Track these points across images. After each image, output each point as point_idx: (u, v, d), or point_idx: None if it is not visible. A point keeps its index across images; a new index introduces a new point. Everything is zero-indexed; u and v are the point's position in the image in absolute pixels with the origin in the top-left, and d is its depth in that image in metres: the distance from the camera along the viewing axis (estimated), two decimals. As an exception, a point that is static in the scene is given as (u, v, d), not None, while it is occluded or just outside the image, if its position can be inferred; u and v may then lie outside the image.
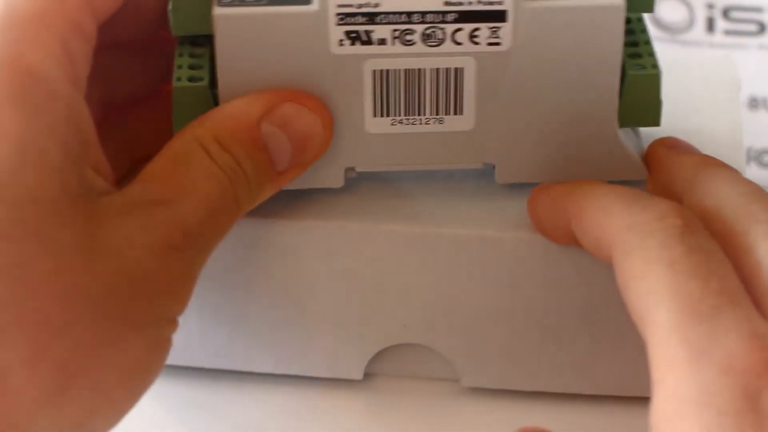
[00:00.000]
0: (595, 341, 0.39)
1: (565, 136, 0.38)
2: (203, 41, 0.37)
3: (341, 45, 0.36)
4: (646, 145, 0.39)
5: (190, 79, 0.37)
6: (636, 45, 0.38)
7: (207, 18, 0.36)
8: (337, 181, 0.38)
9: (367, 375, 0.41)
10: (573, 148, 0.38)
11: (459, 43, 0.36)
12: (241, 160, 0.35)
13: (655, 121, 0.38)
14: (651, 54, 0.38)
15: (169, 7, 0.36)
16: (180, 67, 0.37)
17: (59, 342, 0.30)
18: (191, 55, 0.37)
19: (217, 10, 0.36)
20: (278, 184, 0.36)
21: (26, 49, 0.32)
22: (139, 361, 0.32)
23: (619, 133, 0.38)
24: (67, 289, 0.31)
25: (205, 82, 0.36)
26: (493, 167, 0.38)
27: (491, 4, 0.36)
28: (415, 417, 0.40)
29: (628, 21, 0.38)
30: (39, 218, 0.31)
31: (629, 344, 0.38)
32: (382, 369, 0.41)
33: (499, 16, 0.36)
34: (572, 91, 0.37)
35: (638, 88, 0.37)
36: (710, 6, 0.56)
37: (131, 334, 0.32)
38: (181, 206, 0.34)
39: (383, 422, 0.40)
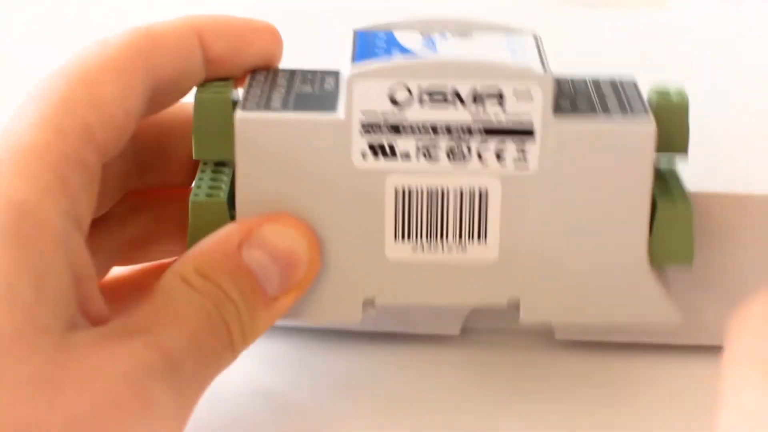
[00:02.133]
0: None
1: (592, 271, 0.36)
2: (227, 163, 0.36)
3: (364, 158, 0.35)
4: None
5: (208, 195, 0.36)
6: (665, 179, 0.37)
7: (229, 144, 0.35)
8: (354, 314, 0.36)
9: (464, 330, 0.42)
10: (601, 286, 0.36)
11: (485, 162, 0.35)
12: (226, 287, 0.34)
13: (688, 258, 0.36)
14: (681, 188, 0.37)
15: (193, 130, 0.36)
16: (199, 184, 0.36)
17: None
18: (213, 172, 0.36)
19: (239, 113, 0.35)
20: (274, 311, 0.35)
21: (16, 181, 0.31)
22: None
23: (650, 272, 0.36)
24: (22, 424, 0.29)
25: (222, 198, 0.35)
26: (518, 306, 0.36)
27: (520, 121, 0.35)
28: (510, 370, 0.41)
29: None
30: (2, 351, 0.29)
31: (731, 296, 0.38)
32: (478, 324, 0.42)
33: (528, 135, 0.35)
34: (600, 220, 0.36)
35: (669, 222, 0.36)
36: None
37: None
38: (162, 333, 0.32)
39: (480, 376, 0.41)
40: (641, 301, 0.36)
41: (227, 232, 0.35)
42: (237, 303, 0.34)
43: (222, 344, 0.33)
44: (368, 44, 0.36)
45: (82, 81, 0.33)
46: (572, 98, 0.36)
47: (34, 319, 0.30)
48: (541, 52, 0.36)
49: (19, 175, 0.31)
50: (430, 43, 0.36)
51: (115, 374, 0.30)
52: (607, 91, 0.37)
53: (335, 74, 0.36)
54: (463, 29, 0.37)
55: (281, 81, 0.37)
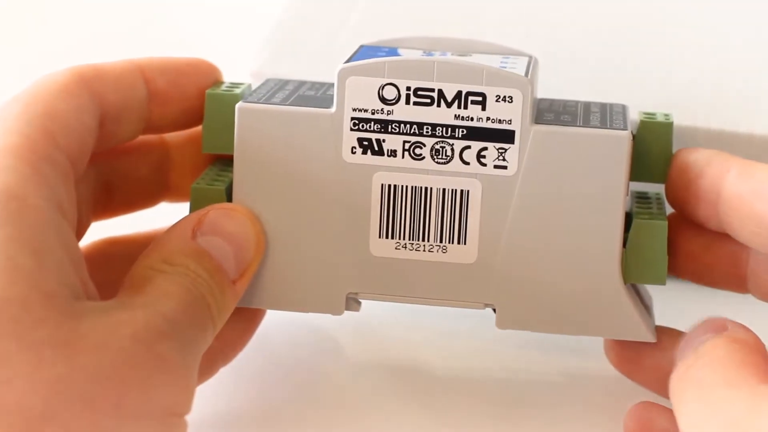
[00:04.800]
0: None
1: (566, 282, 0.37)
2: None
3: (353, 153, 0.36)
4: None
5: (209, 184, 0.38)
6: (648, 201, 0.38)
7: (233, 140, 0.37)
8: (337, 307, 0.38)
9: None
10: (575, 298, 0.37)
11: (467, 163, 0.36)
12: (193, 268, 0.35)
13: (660, 278, 0.37)
14: (661, 210, 0.38)
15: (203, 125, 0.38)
16: (204, 176, 0.38)
17: (45, 428, 0.30)
18: (219, 169, 0.39)
19: (240, 104, 0.37)
20: (236, 293, 0.37)
21: None
22: None
23: (622, 288, 0.37)
24: (48, 381, 0.30)
25: (221, 187, 0.38)
26: (494, 311, 0.37)
27: (500, 122, 0.36)
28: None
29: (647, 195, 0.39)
30: (12, 317, 0.31)
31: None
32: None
33: (508, 137, 0.36)
34: (575, 230, 0.36)
35: (643, 236, 0.37)
36: None
37: (126, 425, 0.31)
38: (158, 302, 0.34)
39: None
40: (613, 317, 0.37)
41: (180, 223, 0.37)
42: (206, 280, 0.35)
43: (205, 316, 0.35)
44: (369, 52, 0.38)
45: (38, 99, 0.36)
46: (558, 113, 0.38)
47: (39, 287, 0.31)
48: (531, 67, 0.37)
49: (16, 170, 0.33)
50: (428, 55, 0.38)
51: (126, 336, 0.32)
52: (594, 110, 0.38)
53: None
54: (464, 49, 0.39)
55: (289, 86, 0.39)
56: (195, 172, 0.41)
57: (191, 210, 0.38)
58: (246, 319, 0.40)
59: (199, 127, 0.40)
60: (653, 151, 0.38)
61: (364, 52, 0.38)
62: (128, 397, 0.31)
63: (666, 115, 0.38)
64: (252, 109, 0.37)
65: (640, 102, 0.40)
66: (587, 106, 0.39)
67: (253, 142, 0.37)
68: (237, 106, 0.37)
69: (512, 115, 0.36)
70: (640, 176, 0.38)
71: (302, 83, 0.40)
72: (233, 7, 0.47)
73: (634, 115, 0.38)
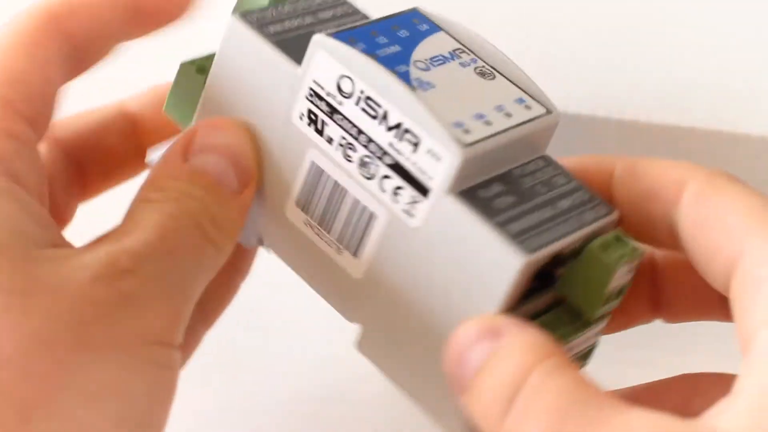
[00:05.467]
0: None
1: (426, 353, 0.35)
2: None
3: (300, 119, 0.36)
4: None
5: (193, 63, 0.38)
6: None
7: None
8: (250, 241, 0.38)
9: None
10: (429, 372, 0.35)
11: (383, 190, 0.35)
12: (185, 189, 0.35)
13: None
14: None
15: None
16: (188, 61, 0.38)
17: (8, 374, 0.30)
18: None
19: (236, 18, 0.36)
20: (242, 203, 0.36)
21: None
22: (108, 384, 0.31)
23: None
24: (2, 328, 0.30)
25: (204, 64, 0.38)
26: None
27: (423, 173, 0.34)
28: None
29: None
30: None
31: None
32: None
33: (423, 191, 0.34)
34: (448, 308, 0.34)
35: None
36: None
37: (91, 358, 0.31)
38: (126, 238, 0.33)
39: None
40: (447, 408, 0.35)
41: (170, 148, 0.36)
42: (202, 198, 0.35)
43: (195, 238, 0.34)
44: (384, 28, 0.36)
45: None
46: (511, 191, 0.35)
47: None
48: (530, 123, 0.35)
49: None
50: (431, 64, 0.36)
51: (84, 278, 0.32)
52: (567, 204, 0.35)
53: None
54: (495, 64, 0.36)
55: (308, 16, 0.38)
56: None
57: (173, 87, 0.38)
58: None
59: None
60: (585, 285, 0.34)
61: (388, 22, 0.37)
62: (88, 333, 0.31)
63: (621, 255, 0.34)
64: (240, 29, 0.37)
65: (641, 102, 0.40)
66: (570, 192, 0.35)
67: (232, 60, 0.37)
68: (231, 17, 0.37)
69: (435, 173, 0.34)
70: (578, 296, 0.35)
71: (325, 6, 0.38)
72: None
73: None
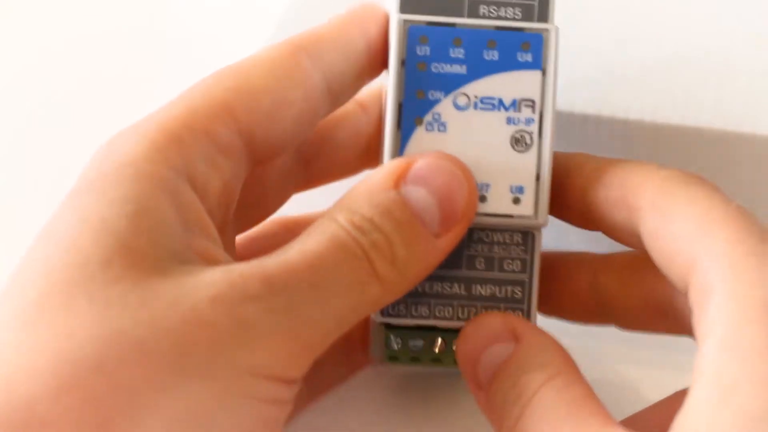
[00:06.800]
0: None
1: None
2: None
3: None
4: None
5: None
6: None
7: None
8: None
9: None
10: None
11: None
12: (375, 219, 0.33)
13: None
14: None
15: None
16: None
17: (94, 378, 0.29)
18: None
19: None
20: (436, 249, 0.34)
21: (129, 146, 0.32)
22: (196, 411, 0.30)
23: None
24: (107, 334, 0.29)
25: None
26: None
27: None
28: None
29: None
30: (90, 276, 0.30)
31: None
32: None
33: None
34: None
35: None
36: None
37: (189, 382, 0.30)
38: (267, 262, 0.31)
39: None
40: None
41: (383, 171, 0.34)
42: (387, 233, 0.32)
43: (358, 271, 0.32)
44: (476, 40, 0.35)
45: (233, 71, 0.34)
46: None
47: (126, 248, 0.30)
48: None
49: (136, 141, 0.32)
50: (475, 103, 0.35)
51: (204, 297, 0.30)
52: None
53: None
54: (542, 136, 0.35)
55: None
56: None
57: None
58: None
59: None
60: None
61: (488, 35, 0.35)
62: (193, 355, 0.30)
63: None
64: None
65: (642, 102, 0.40)
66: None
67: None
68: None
69: None
70: None
71: None
72: (237, 4, 0.47)
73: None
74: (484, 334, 0.34)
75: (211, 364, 0.30)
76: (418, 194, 0.33)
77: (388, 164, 0.34)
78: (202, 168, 0.33)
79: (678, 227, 0.32)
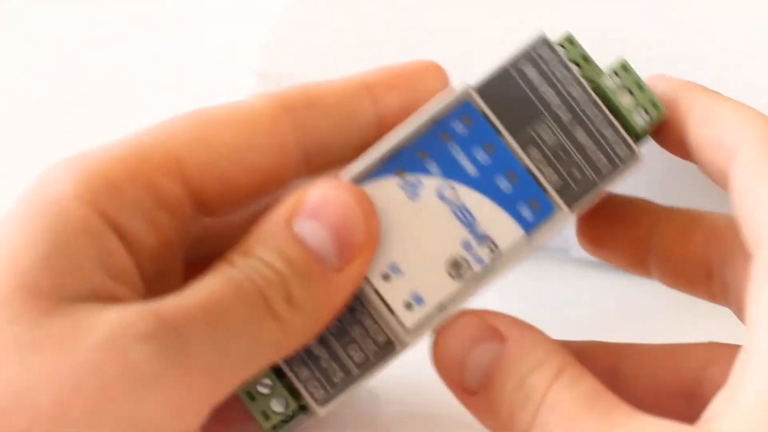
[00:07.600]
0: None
1: None
2: None
3: None
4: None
5: None
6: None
7: None
8: None
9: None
10: None
11: None
12: (268, 258, 0.32)
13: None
14: None
15: None
16: None
17: None
18: None
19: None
20: (336, 285, 0.33)
21: (63, 185, 0.31)
22: None
23: None
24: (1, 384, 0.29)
25: None
26: None
27: None
28: (527, 281, 0.43)
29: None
30: None
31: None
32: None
33: None
34: None
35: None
36: None
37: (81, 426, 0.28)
38: (163, 302, 0.30)
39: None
40: None
41: (279, 207, 0.33)
42: (281, 272, 0.32)
43: (253, 309, 0.31)
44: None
45: (194, 121, 0.33)
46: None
47: (30, 285, 0.30)
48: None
49: (71, 180, 0.31)
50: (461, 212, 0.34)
51: (95, 338, 0.29)
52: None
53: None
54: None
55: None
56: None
57: None
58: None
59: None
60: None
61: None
62: (75, 407, 0.28)
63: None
64: None
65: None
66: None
67: None
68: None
69: None
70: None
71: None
72: (236, 4, 0.47)
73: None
74: (465, 336, 0.33)
75: (94, 418, 0.29)
76: (310, 229, 0.32)
77: (286, 199, 0.33)
78: (136, 224, 0.32)
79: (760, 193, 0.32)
